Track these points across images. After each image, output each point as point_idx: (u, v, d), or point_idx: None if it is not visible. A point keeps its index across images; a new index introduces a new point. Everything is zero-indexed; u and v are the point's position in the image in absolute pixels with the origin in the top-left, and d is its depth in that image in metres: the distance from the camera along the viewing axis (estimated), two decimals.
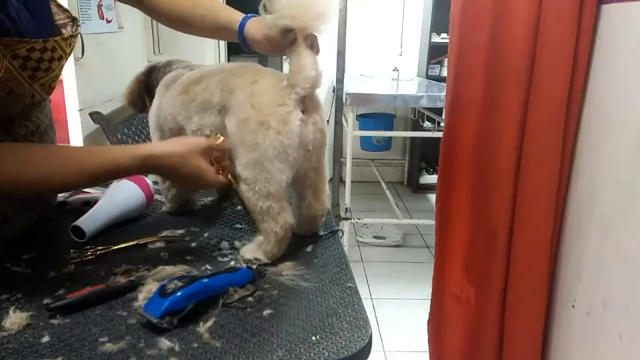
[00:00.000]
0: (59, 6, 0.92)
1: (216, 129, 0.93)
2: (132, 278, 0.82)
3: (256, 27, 0.93)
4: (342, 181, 3.08)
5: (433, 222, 1.40)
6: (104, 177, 0.80)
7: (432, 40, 3.74)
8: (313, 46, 0.89)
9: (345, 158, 2.76)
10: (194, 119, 0.96)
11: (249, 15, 0.96)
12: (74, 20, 0.92)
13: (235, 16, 0.97)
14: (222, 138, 0.90)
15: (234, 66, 0.97)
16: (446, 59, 3.63)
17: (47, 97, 0.94)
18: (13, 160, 0.74)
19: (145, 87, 1.15)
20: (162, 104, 1.03)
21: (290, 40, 0.88)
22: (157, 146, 0.84)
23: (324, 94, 3.99)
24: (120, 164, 0.79)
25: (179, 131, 1.00)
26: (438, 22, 3.64)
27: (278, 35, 0.88)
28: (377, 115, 4.05)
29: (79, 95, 2.19)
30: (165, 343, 0.66)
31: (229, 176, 0.91)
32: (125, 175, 0.82)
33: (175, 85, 1.01)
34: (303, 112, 0.88)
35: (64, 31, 0.89)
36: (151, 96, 1.11)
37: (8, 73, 0.76)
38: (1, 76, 0.75)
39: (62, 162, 0.78)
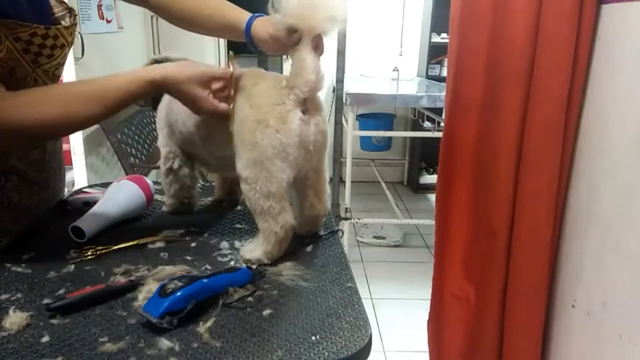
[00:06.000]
0: None
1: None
2: (132, 278, 0.82)
3: (263, 26, 0.93)
4: (342, 181, 3.08)
5: (433, 222, 1.40)
6: (119, 106, 0.87)
7: (432, 40, 3.75)
8: (318, 46, 0.88)
9: (345, 158, 2.76)
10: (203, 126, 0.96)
11: (256, 14, 0.95)
12: (71, 11, 0.95)
13: (242, 15, 0.96)
14: (231, 69, 0.89)
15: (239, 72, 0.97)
16: (446, 59, 3.62)
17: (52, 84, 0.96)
18: (36, 103, 0.80)
19: None
20: (173, 106, 1.02)
21: (295, 40, 0.87)
22: (161, 70, 0.87)
23: (324, 94, 3.99)
24: (132, 92, 0.85)
25: (190, 135, 1.00)
26: (438, 22, 3.64)
27: (283, 34, 0.87)
28: (377, 115, 4.06)
29: None
30: (165, 343, 0.66)
31: (230, 108, 0.90)
32: (135, 100, 0.89)
33: None
34: (303, 112, 0.87)
35: (62, 22, 0.92)
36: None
37: (10, 54, 0.82)
38: (3, 55, 0.81)
39: (82, 101, 0.83)
